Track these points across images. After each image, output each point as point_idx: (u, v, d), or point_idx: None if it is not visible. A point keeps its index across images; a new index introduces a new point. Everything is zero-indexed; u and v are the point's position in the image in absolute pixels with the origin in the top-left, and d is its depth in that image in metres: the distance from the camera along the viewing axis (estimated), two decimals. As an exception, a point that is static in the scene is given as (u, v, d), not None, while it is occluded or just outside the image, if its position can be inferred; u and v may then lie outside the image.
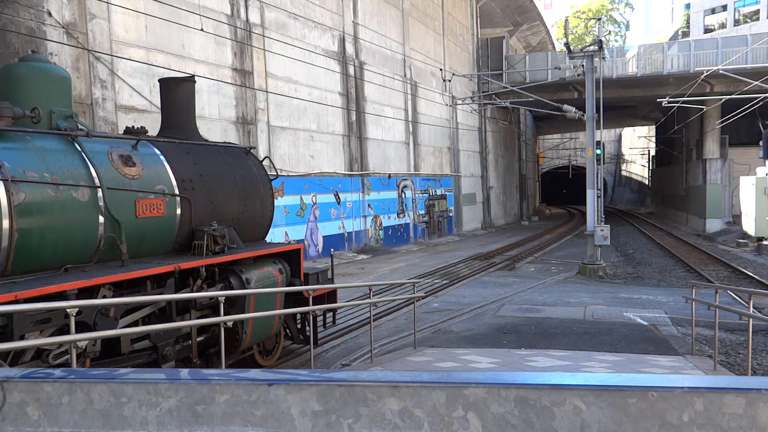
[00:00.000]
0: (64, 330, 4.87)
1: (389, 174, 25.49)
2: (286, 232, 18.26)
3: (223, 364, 5.72)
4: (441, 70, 30.55)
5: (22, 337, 4.53)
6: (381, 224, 24.93)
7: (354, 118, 22.75)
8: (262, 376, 2.10)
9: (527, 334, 9.62)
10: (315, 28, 20.58)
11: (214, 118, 15.80)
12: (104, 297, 5.26)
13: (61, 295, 4.73)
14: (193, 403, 2.07)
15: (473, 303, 12.54)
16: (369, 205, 23.93)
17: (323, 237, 20.80)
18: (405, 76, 27.22)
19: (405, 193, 26.99)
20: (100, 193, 5.53)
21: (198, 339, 6.58)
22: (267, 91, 17.74)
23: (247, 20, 17.16)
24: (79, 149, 5.61)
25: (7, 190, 4.72)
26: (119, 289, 5.60)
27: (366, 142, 23.70)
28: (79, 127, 5.86)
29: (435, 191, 30.14)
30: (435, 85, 30.28)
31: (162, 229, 6.39)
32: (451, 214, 32.10)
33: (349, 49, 22.68)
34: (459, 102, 32.06)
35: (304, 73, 19.59)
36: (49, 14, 11.43)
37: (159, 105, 7.60)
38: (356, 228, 23.09)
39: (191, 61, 15.02)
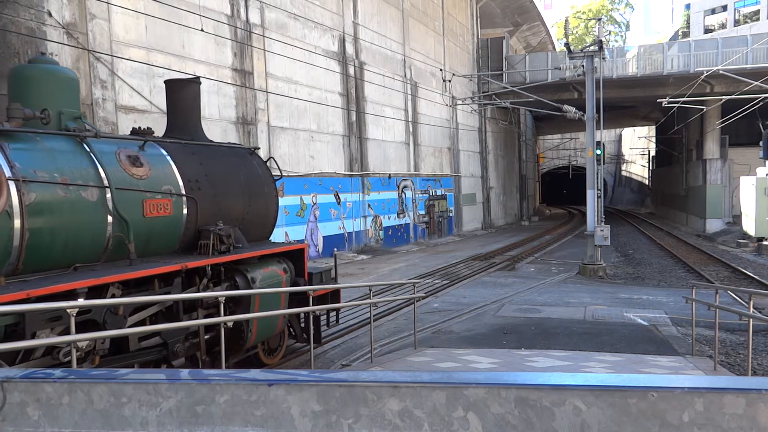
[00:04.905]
0: (76, 328, 4.94)
1: (389, 174, 25.49)
2: (286, 233, 18.25)
3: (223, 364, 5.74)
4: (441, 70, 30.54)
5: (33, 335, 4.62)
6: (381, 224, 24.93)
7: (354, 118, 22.75)
8: (262, 376, 2.10)
9: (527, 334, 9.62)
10: (315, 29, 20.58)
11: (214, 118, 15.80)
12: (113, 295, 5.36)
13: (71, 293, 4.80)
14: (193, 404, 2.07)
15: (473, 303, 12.54)
16: (369, 206, 23.92)
17: (323, 237, 20.80)
18: (405, 76, 27.22)
19: (405, 194, 26.99)
20: (108, 193, 5.62)
21: (206, 337, 6.65)
22: (267, 92, 17.74)
23: (247, 20, 17.17)
24: (88, 150, 5.69)
25: (19, 190, 4.80)
26: (127, 287, 5.66)
27: (366, 143, 23.70)
28: (87, 127, 5.95)
29: (435, 191, 30.14)
30: (435, 86, 30.28)
31: (169, 228, 6.47)
32: (451, 215, 32.10)
33: (349, 49, 22.68)
34: (459, 102, 32.06)
35: (304, 74, 19.59)
36: (50, 14, 11.43)
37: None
38: (356, 228, 23.09)
39: (191, 62, 15.02)
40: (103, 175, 5.62)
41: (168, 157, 6.63)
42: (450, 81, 30.70)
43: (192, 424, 2.06)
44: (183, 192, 6.57)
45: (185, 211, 6.62)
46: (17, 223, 4.78)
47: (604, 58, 20.09)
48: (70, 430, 2.09)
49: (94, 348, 5.17)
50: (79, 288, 4.86)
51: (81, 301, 4.65)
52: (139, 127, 7.05)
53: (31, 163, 5.05)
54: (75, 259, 5.39)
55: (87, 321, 5.06)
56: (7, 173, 4.76)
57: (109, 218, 5.63)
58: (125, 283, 5.54)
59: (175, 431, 2.06)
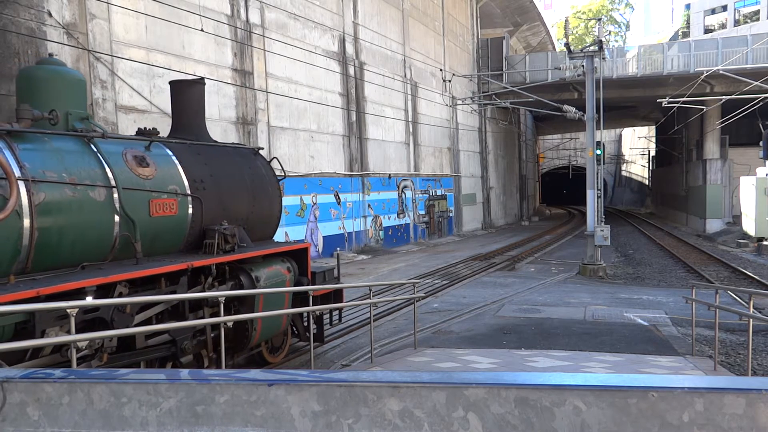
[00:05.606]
0: (85, 326, 5.03)
1: (389, 174, 25.48)
2: (286, 233, 18.25)
3: (223, 364, 5.76)
4: (441, 70, 30.53)
5: (43, 333, 4.69)
6: (381, 224, 24.92)
7: (354, 118, 22.75)
8: (262, 376, 2.10)
9: (527, 334, 9.62)
10: (315, 29, 20.58)
11: (215, 118, 15.79)
12: (120, 294, 5.44)
13: (80, 292, 4.87)
14: (193, 404, 2.07)
15: (473, 303, 12.53)
16: (369, 206, 23.92)
17: (323, 237, 20.80)
18: (405, 76, 27.21)
19: (405, 194, 26.98)
20: (115, 193, 5.68)
21: (212, 335, 6.70)
22: (267, 92, 17.74)
23: (247, 20, 17.16)
24: (95, 150, 5.76)
25: (28, 190, 4.87)
26: (134, 286, 5.71)
27: (366, 143, 23.70)
28: (94, 128, 6.01)
29: (435, 191, 30.13)
30: (435, 86, 30.27)
31: (174, 228, 6.53)
32: (451, 215, 32.09)
33: (349, 49, 22.68)
34: (459, 102, 32.06)
35: (304, 74, 19.59)
36: (50, 14, 11.43)
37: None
38: (356, 228, 23.08)
39: (191, 62, 15.01)
40: (110, 175, 5.69)
41: (173, 158, 6.70)
42: (450, 81, 30.70)
43: (192, 424, 2.06)
44: (188, 192, 6.64)
45: (190, 210, 6.69)
46: (27, 222, 4.86)
47: (604, 58, 20.09)
48: (70, 430, 2.09)
49: (102, 345, 5.26)
50: (87, 286, 4.94)
51: (89, 300, 4.74)
52: (145, 128, 7.11)
53: (40, 163, 5.13)
54: (83, 258, 5.46)
55: (95, 319, 5.12)
56: (17, 173, 4.83)
57: (116, 218, 5.70)
58: (132, 281, 5.61)
59: (175, 431, 2.06)
